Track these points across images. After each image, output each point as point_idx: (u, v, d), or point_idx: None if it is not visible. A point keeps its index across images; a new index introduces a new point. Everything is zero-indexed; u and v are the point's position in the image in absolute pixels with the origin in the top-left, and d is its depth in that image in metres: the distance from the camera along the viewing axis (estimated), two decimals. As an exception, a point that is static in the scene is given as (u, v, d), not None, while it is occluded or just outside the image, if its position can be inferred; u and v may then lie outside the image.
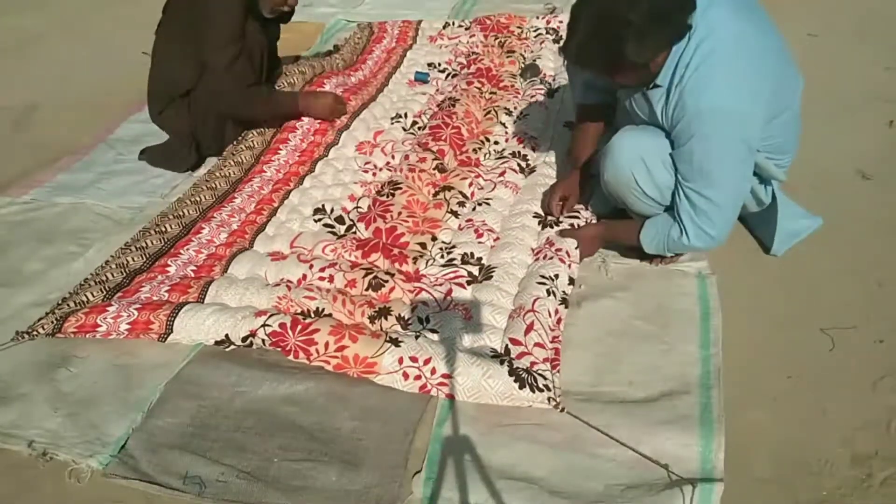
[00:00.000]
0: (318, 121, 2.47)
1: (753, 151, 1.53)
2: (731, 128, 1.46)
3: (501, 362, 1.44)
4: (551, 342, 1.53)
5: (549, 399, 1.40)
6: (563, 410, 1.39)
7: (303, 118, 2.45)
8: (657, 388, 1.44)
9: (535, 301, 1.59)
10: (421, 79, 2.86)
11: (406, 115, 2.54)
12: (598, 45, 1.42)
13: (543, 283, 1.64)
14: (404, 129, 2.48)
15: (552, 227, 1.87)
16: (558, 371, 1.48)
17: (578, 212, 1.91)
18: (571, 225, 1.85)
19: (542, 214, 1.93)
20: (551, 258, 1.73)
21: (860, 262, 1.80)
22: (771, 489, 1.27)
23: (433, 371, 1.45)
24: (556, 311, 1.60)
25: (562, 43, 1.51)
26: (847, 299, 1.68)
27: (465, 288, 1.69)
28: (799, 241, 1.83)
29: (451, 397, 1.44)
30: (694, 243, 1.59)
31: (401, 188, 2.05)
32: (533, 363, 1.46)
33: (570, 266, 1.72)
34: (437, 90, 2.76)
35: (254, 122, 2.44)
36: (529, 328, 1.53)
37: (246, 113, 2.38)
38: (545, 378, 1.43)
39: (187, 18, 2.19)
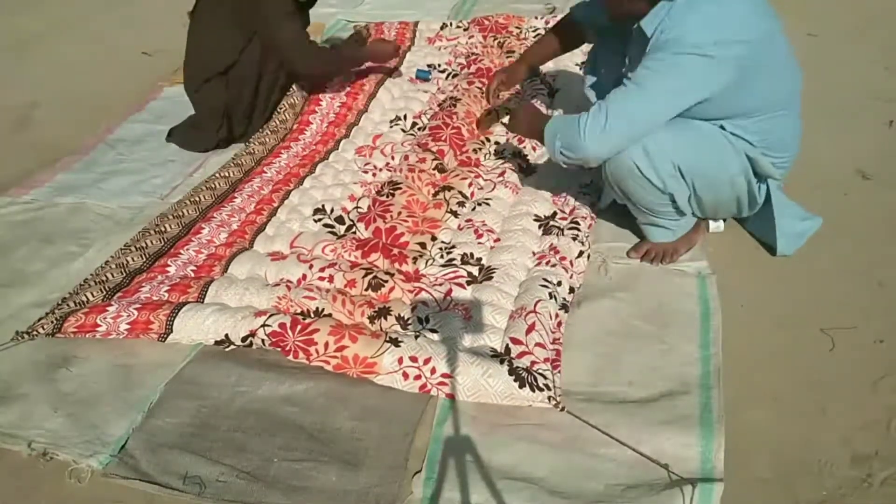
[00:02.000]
0: (324, 127, 2.55)
1: (694, 97, 1.50)
2: (683, 58, 1.44)
3: (501, 361, 1.44)
4: (552, 343, 1.53)
5: (549, 398, 1.40)
6: (563, 410, 1.39)
7: (314, 115, 2.60)
8: (657, 389, 1.44)
9: (537, 303, 1.59)
10: (423, 77, 2.85)
11: (406, 116, 2.54)
12: None
13: (546, 287, 1.64)
14: (403, 131, 2.48)
15: (555, 234, 1.86)
16: (559, 371, 1.48)
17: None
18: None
19: (543, 217, 1.93)
20: (554, 265, 1.73)
21: (860, 262, 1.80)
22: (771, 489, 1.27)
23: (433, 371, 1.45)
24: (557, 315, 1.60)
25: None
26: (847, 299, 1.68)
27: (464, 288, 1.69)
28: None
29: (451, 397, 1.44)
30: (581, 135, 1.54)
31: (400, 188, 2.05)
32: (533, 363, 1.46)
33: (571, 276, 1.73)
34: (439, 89, 2.76)
35: (323, 80, 2.74)
36: (531, 328, 1.53)
37: (333, 69, 2.66)
38: (545, 377, 1.43)
39: (232, 3, 2.31)
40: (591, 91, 1.98)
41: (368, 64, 2.73)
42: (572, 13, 2.02)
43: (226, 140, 2.52)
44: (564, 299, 1.66)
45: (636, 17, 1.53)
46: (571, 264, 1.75)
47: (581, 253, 1.79)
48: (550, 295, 1.63)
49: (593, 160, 1.60)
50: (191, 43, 2.46)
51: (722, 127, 1.59)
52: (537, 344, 1.50)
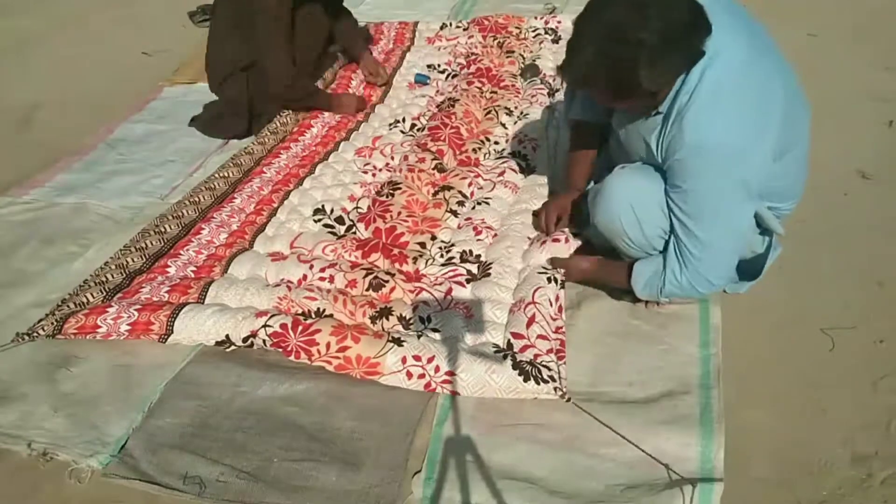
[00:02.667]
0: (323, 130, 2.56)
1: (754, 193, 1.38)
2: (731, 166, 1.30)
3: (504, 357, 1.45)
4: (555, 332, 1.54)
5: (555, 389, 1.41)
6: (569, 400, 1.40)
7: (316, 120, 2.62)
8: (657, 389, 1.44)
9: (535, 291, 1.60)
10: (421, 80, 2.85)
11: (405, 119, 2.54)
12: (606, 69, 1.25)
13: (544, 272, 1.66)
14: (403, 133, 2.48)
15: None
16: (564, 362, 1.48)
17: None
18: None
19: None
20: (547, 244, 1.74)
21: (860, 262, 1.80)
22: (771, 489, 1.27)
23: (437, 369, 1.46)
24: (557, 298, 1.61)
25: (562, 62, 1.33)
26: (847, 299, 1.68)
27: (464, 286, 1.69)
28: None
29: (455, 394, 1.44)
30: (689, 290, 1.45)
31: (400, 188, 2.05)
32: (537, 355, 1.46)
33: (570, 248, 1.73)
34: (438, 91, 2.77)
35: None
36: (531, 321, 1.53)
37: (292, 104, 2.64)
38: (550, 369, 1.43)
39: (237, 6, 2.42)
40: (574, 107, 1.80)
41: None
42: (577, 123, 1.80)
43: (247, 130, 2.61)
44: (563, 278, 1.68)
45: (656, 105, 1.37)
46: (567, 241, 1.74)
47: (577, 234, 1.78)
48: (549, 279, 1.64)
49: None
50: (212, 39, 2.55)
51: None
52: (539, 336, 1.50)
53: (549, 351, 1.48)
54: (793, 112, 1.36)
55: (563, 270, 1.68)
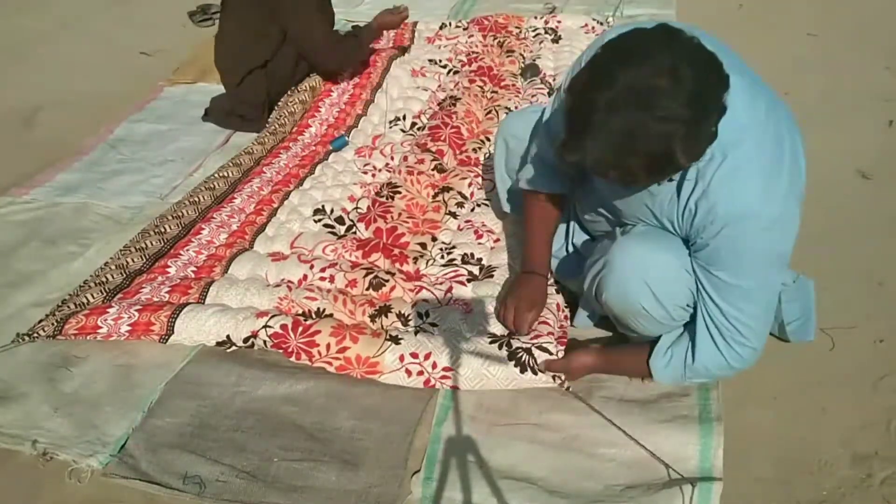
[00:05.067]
0: (322, 129, 2.57)
1: (789, 262, 1.26)
2: (772, 239, 1.17)
3: (500, 346, 1.45)
4: (559, 328, 1.53)
5: (553, 377, 1.41)
6: (568, 389, 1.40)
7: (314, 119, 2.62)
8: (656, 389, 1.44)
9: None
10: (338, 146, 2.40)
11: (405, 116, 2.54)
12: (636, 149, 1.01)
13: (552, 284, 1.64)
14: (403, 132, 2.48)
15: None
16: (563, 348, 1.47)
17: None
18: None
19: None
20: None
21: (860, 262, 1.80)
22: (771, 489, 1.27)
23: (434, 365, 1.46)
24: (560, 308, 1.60)
25: (565, 141, 1.07)
26: (847, 299, 1.68)
27: (465, 286, 1.69)
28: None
29: (455, 388, 1.45)
30: (724, 368, 1.30)
31: (400, 192, 2.05)
32: (537, 335, 1.46)
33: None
34: (440, 86, 2.76)
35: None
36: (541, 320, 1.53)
37: (358, 58, 2.76)
38: (549, 352, 1.43)
39: (250, 5, 2.44)
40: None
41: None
42: (536, 194, 1.53)
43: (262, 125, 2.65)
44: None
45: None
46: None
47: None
48: (556, 290, 1.63)
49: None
50: (222, 42, 2.58)
51: None
52: (542, 322, 1.51)
53: (550, 334, 1.48)
54: (799, 148, 1.20)
55: (562, 376, 1.43)
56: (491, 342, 1.48)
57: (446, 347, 1.48)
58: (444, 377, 1.45)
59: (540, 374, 1.41)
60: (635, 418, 1.37)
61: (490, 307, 1.59)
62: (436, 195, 2.08)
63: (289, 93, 2.65)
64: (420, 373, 1.46)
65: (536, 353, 1.43)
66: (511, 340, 1.47)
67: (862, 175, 2.16)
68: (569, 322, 1.60)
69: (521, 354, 1.43)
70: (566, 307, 1.64)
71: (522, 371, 1.41)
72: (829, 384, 1.47)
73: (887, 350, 1.55)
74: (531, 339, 1.47)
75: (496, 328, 1.53)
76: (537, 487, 1.26)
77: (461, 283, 1.70)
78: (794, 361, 1.52)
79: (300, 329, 1.54)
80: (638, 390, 1.44)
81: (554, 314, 1.55)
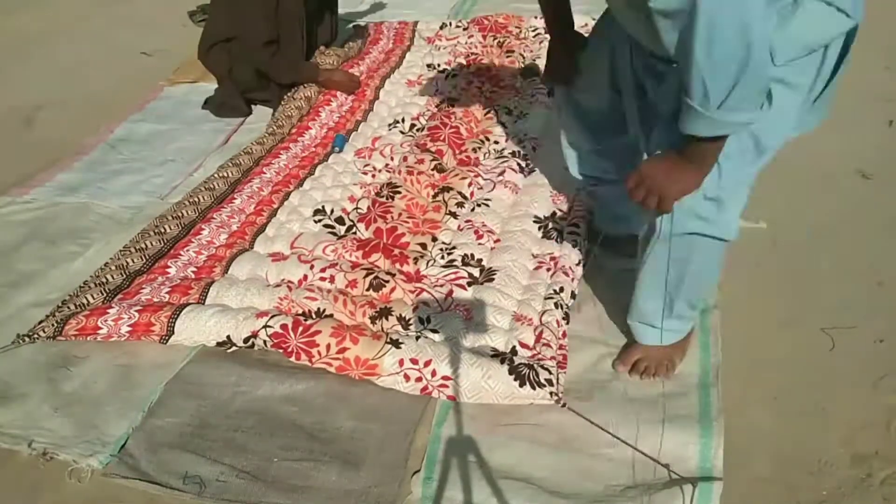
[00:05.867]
0: (322, 132, 2.56)
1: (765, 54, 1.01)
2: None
3: (502, 361, 1.45)
4: (559, 349, 1.53)
5: (550, 394, 1.40)
6: (564, 406, 1.39)
7: (314, 122, 2.61)
8: (656, 389, 1.44)
9: (542, 314, 1.60)
10: (339, 145, 2.44)
11: (404, 119, 2.54)
12: None
13: (551, 297, 1.64)
14: (402, 133, 2.48)
15: (554, 239, 1.83)
16: (564, 371, 1.48)
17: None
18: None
19: (542, 218, 1.91)
20: (555, 273, 1.72)
21: (860, 262, 1.80)
22: (771, 489, 1.27)
23: (433, 373, 1.45)
24: (559, 324, 1.60)
25: None
26: (847, 299, 1.68)
27: (465, 289, 1.69)
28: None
29: (452, 398, 1.44)
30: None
31: (400, 192, 2.05)
32: (539, 358, 1.46)
33: (573, 280, 1.72)
34: (437, 91, 2.76)
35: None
36: (539, 337, 1.53)
37: (274, 77, 2.72)
38: (549, 372, 1.43)
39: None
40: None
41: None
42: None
43: (248, 109, 2.77)
44: (567, 307, 1.65)
45: None
46: (571, 270, 1.74)
47: (580, 262, 1.78)
48: (556, 305, 1.62)
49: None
50: (218, 24, 2.66)
51: None
52: (545, 344, 1.51)
53: (552, 358, 1.48)
54: None
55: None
56: (493, 356, 1.47)
57: (447, 356, 1.47)
58: (442, 385, 1.45)
59: (539, 389, 1.40)
60: (635, 419, 1.37)
61: (491, 317, 1.57)
62: (436, 195, 2.08)
63: (285, 99, 2.65)
64: (419, 379, 1.46)
65: (539, 369, 1.43)
66: (513, 357, 1.47)
67: (862, 175, 2.16)
68: (566, 340, 1.58)
69: (522, 370, 1.42)
70: (565, 320, 1.61)
71: (521, 385, 1.40)
72: (829, 384, 1.47)
73: (887, 350, 1.55)
74: (533, 358, 1.47)
75: (497, 341, 1.52)
76: (537, 487, 1.26)
77: (461, 286, 1.69)
78: (794, 361, 1.52)
79: (300, 329, 1.54)
80: (638, 390, 1.44)
81: (553, 332, 1.55)
